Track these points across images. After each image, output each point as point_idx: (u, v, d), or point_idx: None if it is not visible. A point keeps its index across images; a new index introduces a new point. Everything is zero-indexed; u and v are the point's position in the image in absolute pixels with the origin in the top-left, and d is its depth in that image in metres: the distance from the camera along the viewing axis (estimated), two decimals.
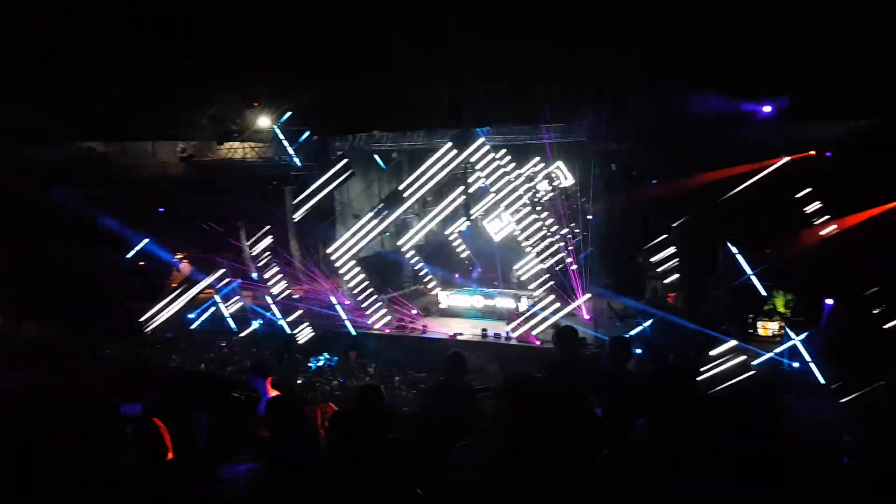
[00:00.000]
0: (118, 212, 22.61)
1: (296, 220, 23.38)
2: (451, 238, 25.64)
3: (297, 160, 22.93)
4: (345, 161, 22.83)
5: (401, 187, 22.28)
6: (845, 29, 18.86)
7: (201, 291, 24.34)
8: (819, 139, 20.77)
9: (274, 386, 9.16)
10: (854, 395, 17.58)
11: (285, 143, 22.56)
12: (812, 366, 19.45)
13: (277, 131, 22.54)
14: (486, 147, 21.64)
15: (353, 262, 22.93)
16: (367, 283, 22.95)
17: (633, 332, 20.36)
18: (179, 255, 24.68)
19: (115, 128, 22.73)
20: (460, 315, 23.98)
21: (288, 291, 23.76)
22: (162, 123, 22.34)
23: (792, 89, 20.58)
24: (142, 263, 24.01)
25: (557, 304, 21.68)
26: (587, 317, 22.69)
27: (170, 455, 4.42)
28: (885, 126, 20.12)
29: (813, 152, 21.05)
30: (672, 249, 22.32)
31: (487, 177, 21.97)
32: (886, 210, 20.36)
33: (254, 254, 23.51)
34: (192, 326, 23.83)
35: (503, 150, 21.92)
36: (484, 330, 22.27)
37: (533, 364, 22.83)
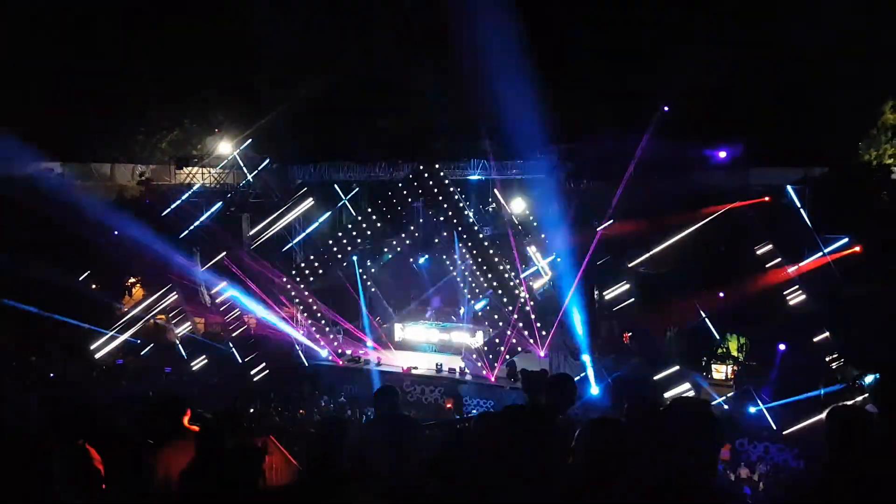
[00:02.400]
0: (73, 233, 22.25)
1: (252, 248, 23.13)
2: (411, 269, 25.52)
3: (255, 187, 22.85)
4: (304, 190, 22.78)
5: (360, 218, 22.25)
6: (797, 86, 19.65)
7: (153, 317, 23.91)
8: (772, 185, 21.15)
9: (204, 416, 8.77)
10: (795, 428, 17.74)
11: (245, 169, 22.47)
12: (764, 411, 19.56)
13: (237, 158, 22.46)
14: (446, 181, 21.71)
15: (308, 293, 22.70)
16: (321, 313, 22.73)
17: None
18: (132, 280, 24.26)
19: (73, 149, 22.44)
20: (415, 348, 23.77)
21: (243, 322, 23.45)
22: (121, 146, 22.11)
23: (745, 137, 21.15)
24: (94, 286, 23.53)
25: (514, 341, 21.63)
26: (543, 354, 22.57)
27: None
28: (830, 174, 20.70)
29: (767, 198, 21.44)
30: (628, 289, 22.43)
31: (446, 210, 22.00)
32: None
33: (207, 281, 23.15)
34: (143, 353, 23.35)
35: (460, 186, 22.03)
36: (438, 364, 22.07)
37: (488, 400, 22.72)
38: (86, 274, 22.06)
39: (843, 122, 21.96)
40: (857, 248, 20.21)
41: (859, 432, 3.67)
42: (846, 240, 20.38)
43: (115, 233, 22.38)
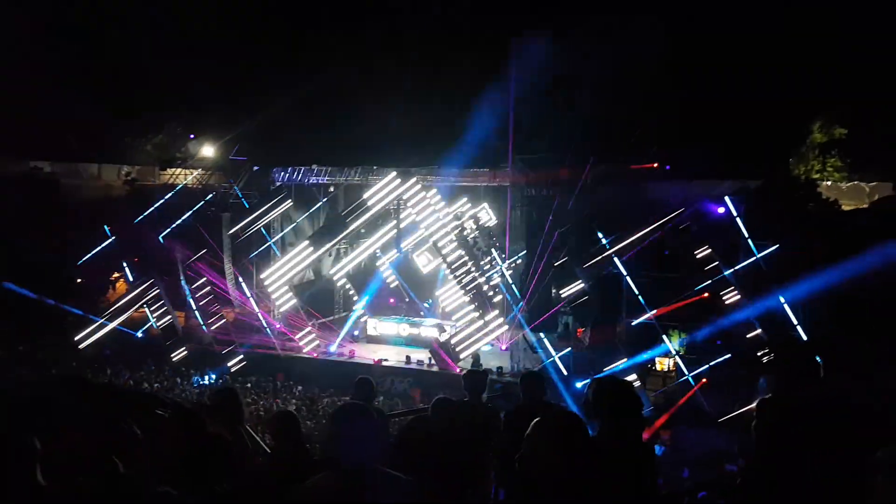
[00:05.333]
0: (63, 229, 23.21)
1: (231, 246, 24.42)
2: (381, 268, 27.08)
3: (236, 188, 24.17)
4: (283, 194, 24.23)
5: (336, 218, 23.73)
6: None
7: (136, 310, 24.99)
8: (716, 195, 23.39)
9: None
10: (730, 416, 19.92)
11: (225, 171, 23.84)
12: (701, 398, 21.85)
13: (219, 161, 23.79)
14: (418, 185, 23.29)
15: (285, 288, 24.12)
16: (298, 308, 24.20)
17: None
18: (116, 275, 25.30)
19: (62, 149, 23.42)
20: (387, 342, 25.36)
21: (221, 316, 24.72)
22: (108, 147, 23.18)
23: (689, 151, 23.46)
24: (80, 280, 24.53)
25: (479, 334, 23.36)
26: (504, 347, 24.43)
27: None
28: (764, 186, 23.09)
29: None
30: (583, 287, 24.37)
31: (418, 213, 23.62)
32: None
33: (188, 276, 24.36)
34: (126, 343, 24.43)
35: (433, 190, 23.67)
36: (408, 356, 23.69)
37: (454, 390, 24.39)
38: (78, 263, 23.12)
39: (776, 141, 24.40)
40: None
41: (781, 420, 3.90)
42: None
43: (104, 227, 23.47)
